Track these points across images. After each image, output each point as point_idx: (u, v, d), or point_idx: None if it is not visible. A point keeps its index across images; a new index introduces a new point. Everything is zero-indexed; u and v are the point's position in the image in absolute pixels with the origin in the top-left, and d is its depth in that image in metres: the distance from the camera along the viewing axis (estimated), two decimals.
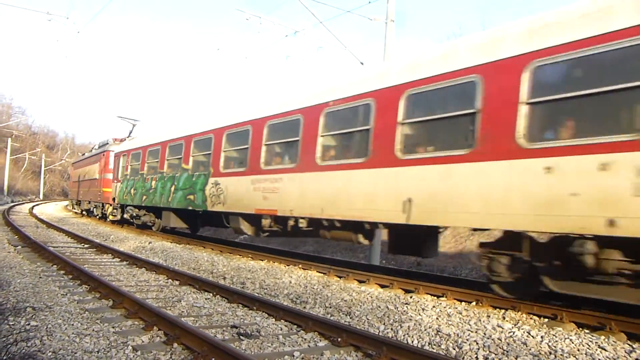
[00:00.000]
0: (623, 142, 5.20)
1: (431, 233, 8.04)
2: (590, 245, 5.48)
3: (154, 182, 16.46)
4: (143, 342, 4.85)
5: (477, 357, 4.63)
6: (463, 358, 4.65)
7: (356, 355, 4.69)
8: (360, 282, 8.75)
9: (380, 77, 8.21)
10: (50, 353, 4.27)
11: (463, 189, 6.66)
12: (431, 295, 7.65)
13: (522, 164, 6.03)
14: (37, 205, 44.36)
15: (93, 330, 5.11)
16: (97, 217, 24.80)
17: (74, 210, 34.14)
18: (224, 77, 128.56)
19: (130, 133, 24.61)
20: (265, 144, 10.69)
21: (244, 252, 12.41)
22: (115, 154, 21.71)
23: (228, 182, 11.90)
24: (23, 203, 48.24)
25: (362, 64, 14.11)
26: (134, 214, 18.76)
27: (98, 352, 4.41)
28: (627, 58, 5.40)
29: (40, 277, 8.16)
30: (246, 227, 11.63)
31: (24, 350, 4.26)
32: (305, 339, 5.15)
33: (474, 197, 6.51)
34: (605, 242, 5.40)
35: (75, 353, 4.31)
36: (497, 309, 6.71)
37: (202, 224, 17.24)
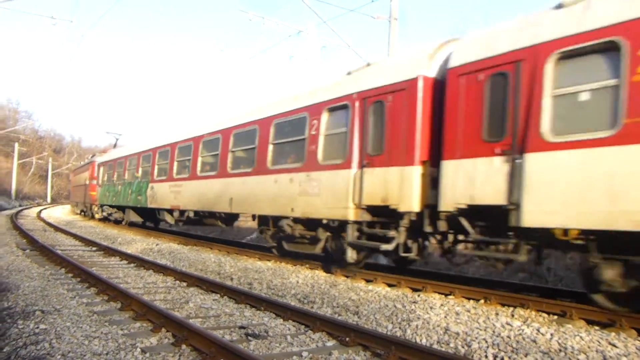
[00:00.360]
0: (296, 167, 10.10)
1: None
2: (289, 222, 10.32)
3: (120, 187, 21.88)
4: (152, 343, 4.86)
5: (486, 356, 4.61)
6: (472, 356, 4.63)
7: (364, 355, 4.68)
8: (367, 281, 8.73)
9: (229, 121, 13.39)
10: (60, 356, 4.28)
11: (250, 192, 11.66)
12: (439, 293, 7.62)
13: (268, 178, 10.96)
14: (44, 209, 44.65)
15: (102, 332, 5.13)
16: (90, 216, 28.99)
17: (75, 211, 37.16)
18: (228, 79, 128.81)
19: (115, 145, 30.45)
20: (176, 160, 16.19)
21: (251, 253, 12.42)
22: (98, 164, 26.91)
23: (158, 187, 17.30)
24: (31, 207, 48.61)
25: (366, 62, 14.08)
26: (109, 212, 24.04)
27: (107, 354, 4.42)
28: (300, 122, 10.27)
29: (49, 280, 8.20)
30: (169, 218, 17.07)
31: (33, 354, 4.28)
32: (313, 339, 5.14)
33: (252, 197, 11.55)
34: (296, 220, 10.19)
35: (84, 356, 4.32)
36: (506, 307, 6.67)
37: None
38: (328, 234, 9.56)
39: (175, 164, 16.13)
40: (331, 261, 9.78)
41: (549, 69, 6.23)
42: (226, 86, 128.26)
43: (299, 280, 8.57)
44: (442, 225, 7.47)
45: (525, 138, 6.38)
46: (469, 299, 7.23)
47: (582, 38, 5.95)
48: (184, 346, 4.71)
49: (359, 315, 6.19)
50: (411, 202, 7.71)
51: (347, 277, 9.13)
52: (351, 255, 8.87)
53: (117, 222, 23.33)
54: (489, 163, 6.79)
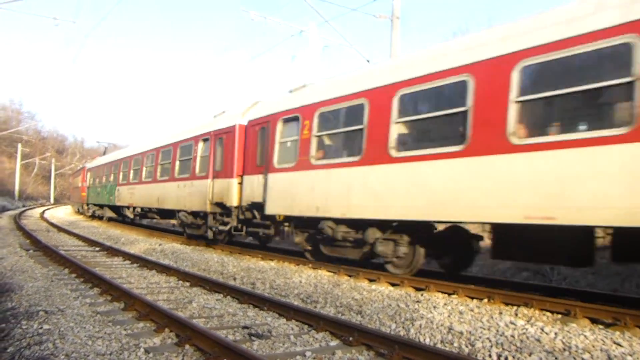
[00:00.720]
0: (186, 177, 15.20)
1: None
2: (185, 214, 15.25)
3: (99, 189, 27.70)
4: (155, 344, 4.86)
5: (490, 355, 4.59)
6: (476, 356, 4.61)
7: (368, 355, 4.67)
8: (370, 280, 8.72)
9: (161, 141, 18.52)
10: (63, 356, 4.29)
11: (166, 193, 16.59)
12: (442, 292, 7.60)
13: (175, 184, 15.83)
14: (47, 209, 44.75)
15: (105, 332, 5.13)
16: (83, 214, 33.47)
17: (75, 210, 39.90)
18: (230, 80, 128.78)
19: (104, 153, 36.94)
20: (132, 169, 21.54)
21: (254, 253, 12.42)
22: (87, 169, 32.73)
23: (122, 189, 22.68)
24: (34, 207, 48.67)
25: (368, 61, 14.09)
26: (93, 209, 29.44)
27: (110, 354, 4.42)
28: (189, 147, 15.47)
29: (52, 281, 8.21)
30: (128, 213, 22.06)
31: (37, 354, 4.28)
32: (316, 339, 5.13)
33: (168, 197, 16.52)
34: (187, 212, 15.17)
35: (88, 356, 4.33)
36: (509, 306, 6.65)
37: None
38: (203, 221, 14.44)
39: (132, 172, 21.56)
40: (209, 240, 14.35)
41: (279, 127, 11.03)
42: (228, 87, 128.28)
43: (302, 280, 8.56)
44: (247, 214, 12.38)
45: (269, 165, 11.17)
46: (472, 298, 7.21)
47: (290, 112, 10.77)
48: (187, 346, 4.71)
49: (363, 315, 6.18)
50: (232, 200, 12.59)
51: (350, 276, 9.12)
52: (210, 234, 13.89)
53: (100, 218, 28.11)
54: (257, 178, 11.65)
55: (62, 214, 38.19)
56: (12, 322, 5.26)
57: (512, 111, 6.49)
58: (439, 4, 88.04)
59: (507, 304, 6.74)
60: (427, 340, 5.11)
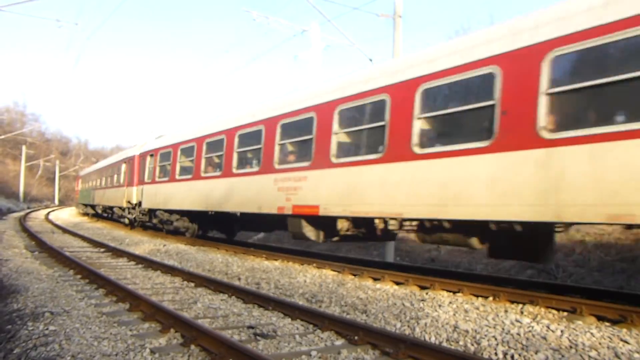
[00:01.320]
0: (117, 185, 23.78)
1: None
2: (117, 208, 24.30)
3: (84, 192, 35.66)
4: (160, 344, 4.86)
5: (496, 353, 4.58)
6: (482, 354, 4.60)
7: (373, 354, 4.66)
8: (375, 279, 8.71)
9: (109, 160, 29.77)
10: (69, 357, 4.30)
11: (107, 195, 26.05)
12: (447, 291, 7.58)
13: (114, 189, 24.53)
14: (52, 211, 44.90)
15: (111, 333, 5.15)
16: (79, 211, 39.97)
17: (78, 211, 42.93)
18: (233, 80, 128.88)
19: (96, 161, 45.84)
20: (97, 178, 29.39)
21: (258, 253, 12.42)
22: (80, 176, 41.72)
23: (97, 192, 29.57)
24: (39, 209, 48.85)
25: (370, 60, 14.06)
26: (82, 208, 36.89)
27: (116, 355, 4.43)
28: (119, 166, 24.10)
29: (58, 282, 8.24)
30: (98, 209, 29.44)
31: (43, 355, 4.29)
32: (321, 338, 5.13)
33: (108, 197, 25.90)
34: (117, 207, 24.53)
35: (94, 357, 4.34)
36: (515, 304, 6.63)
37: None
38: (125, 212, 21.34)
39: (97, 180, 29.55)
40: (129, 225, 21.68)
41: (147, 159, 18.59)
42: (230, 87, 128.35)
43: (307, 280, 8.56)
44: (140, 208, 18.82)
45: (144, 180, 18.52)
46: (477, 296, 7.19)
47: (151, 151, 18.25)
48: (193, 346, 4.71)
49: (367, 314, 6.17)
50: (133, 200, 19.72)
51: (354, 275, 9.12)
52: (126, 221, 21.56)
53: (87, 214, 34.95)
54: (140, 187, 19.03)
55: (67, 215, 38.32)
56: (18, 324, 5.27)
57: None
58: (440, 2, 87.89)
59: (512, 302, 6.72)
60: (433, 338, 5.10)
